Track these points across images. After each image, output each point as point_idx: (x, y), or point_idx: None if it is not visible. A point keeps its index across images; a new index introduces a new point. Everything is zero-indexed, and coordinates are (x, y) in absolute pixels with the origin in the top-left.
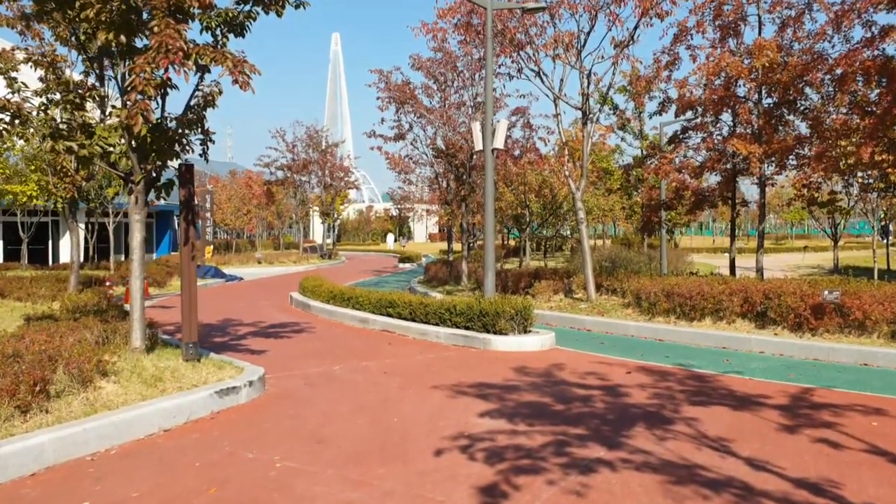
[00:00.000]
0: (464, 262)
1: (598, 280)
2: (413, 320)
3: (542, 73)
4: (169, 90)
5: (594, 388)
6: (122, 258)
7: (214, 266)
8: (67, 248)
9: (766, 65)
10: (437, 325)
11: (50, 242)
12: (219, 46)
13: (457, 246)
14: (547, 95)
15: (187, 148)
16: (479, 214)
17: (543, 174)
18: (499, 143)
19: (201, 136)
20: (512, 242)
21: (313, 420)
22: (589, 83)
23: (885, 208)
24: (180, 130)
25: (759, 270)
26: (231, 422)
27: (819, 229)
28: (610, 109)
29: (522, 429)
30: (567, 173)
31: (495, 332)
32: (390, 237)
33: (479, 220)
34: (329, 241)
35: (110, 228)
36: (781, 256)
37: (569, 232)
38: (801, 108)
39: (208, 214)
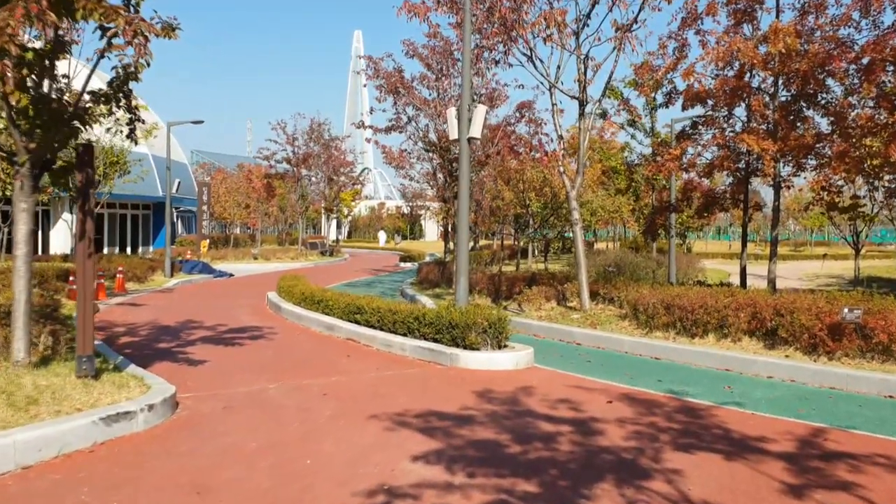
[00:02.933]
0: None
1: (595, 287)
2: (381, 329)
3: (534, 58)
4: (60, 55)
5: (564, 422)
6: (115, 251)
7: (203, 261)
8: (59, 237)
9: (784, 51)
10: (404, 335)
11: (40, 233)
12: (131, 4)
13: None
14: (541, 84)
15: (88, 125)
16: (475, 212)
17: (544, 172)
18: (475, 131)
19: (129, 116)
20: (508, 242)
21: (206, 461)
22: (586, 69)
23: None
24: (83, 105)
25: (772, 281)
26: (111, 458)
27: (839, 237)
28: (618, 104)
29: (460, 481)
30: (562, 169)
31: (465, 347)
32: (382, 235)
33: (472, 219)
34: (332, 237)
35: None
36: (799, 264)
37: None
38: (822, 101)
39: (205, 208)
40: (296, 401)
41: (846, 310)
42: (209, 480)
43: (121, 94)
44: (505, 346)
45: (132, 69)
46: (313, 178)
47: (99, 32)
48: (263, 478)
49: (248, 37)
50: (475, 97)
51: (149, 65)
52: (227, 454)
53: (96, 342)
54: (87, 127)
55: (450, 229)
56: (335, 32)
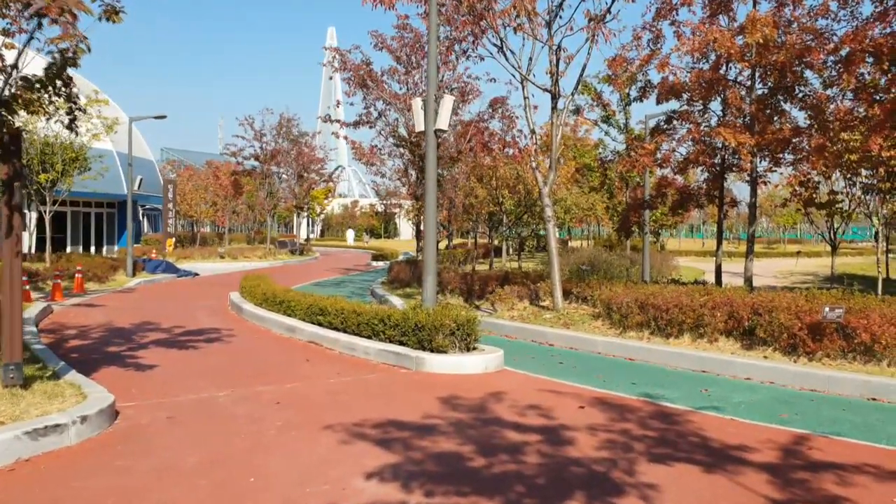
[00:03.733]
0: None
1: (569, 286)
2: (344, 331)
3: (505, 49)
4: None
5: (533, 430)
6: (80, 250)
7: (167, 261)
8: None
9: (761, 41)
10: (369, 337)
11: None
12: None
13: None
14: (513, 77)
15: (16, 113)
16: (448, 210)
17: (518, 169)
18: (442, 122)
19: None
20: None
21: (140, 480)
22: (559, 61)
23: (886, 212)
24: (12, 92)
25: (749, 279)
26: (33, 477)
27: (813, 234)
28: (592, 99)
29: (417, 501)
30: (535, 165)
31: (431, 350)
32: (350, 233)
33: (445, 216)
34: (304, 236)
35: (47, 218)
36: (773, 262)
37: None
38: (800, 94)
39: (171, 205)
40: (247, 410)
41: (827, 309)
42: (140, 502)
43: (59, 82)
44: (474, 348)
45: (70, 54)
46: (283, 176)
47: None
48: (202, 499)
49: (225, 37)
50: (446, 91)
51: (89, 49)
52: (164, 472)
53: (39, 346)
54: (15, 115)
55: (422, 227)
56: (312, 32)
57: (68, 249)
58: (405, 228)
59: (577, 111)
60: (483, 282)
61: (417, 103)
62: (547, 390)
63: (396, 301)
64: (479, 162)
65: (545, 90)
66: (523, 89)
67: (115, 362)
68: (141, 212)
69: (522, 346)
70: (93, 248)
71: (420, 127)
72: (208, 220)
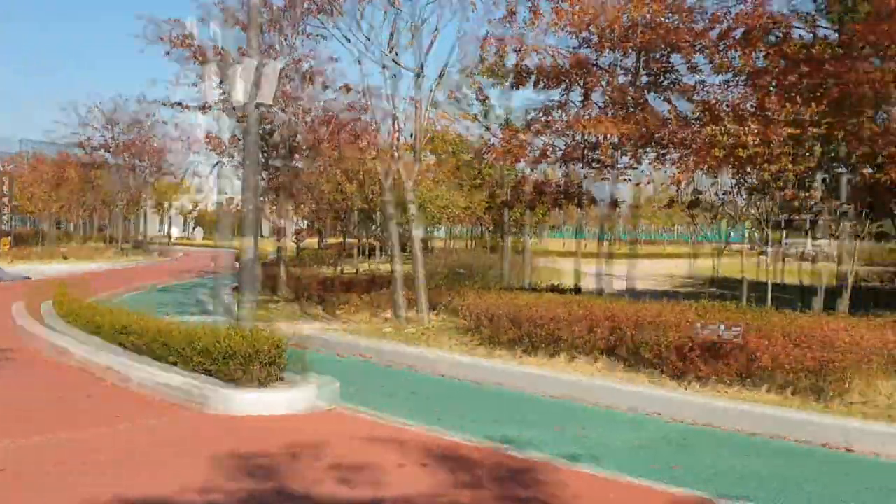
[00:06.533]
0: (281, 266)
1: (437, 295)
2: (149, 356)
3: (359, 21)
4: None
5: None
6: None
7: None
8: None
9: (647, 17)
10: (175, 364)
11: None
12: None
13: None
14: (371, 55)
15: None
16: (306, 205)
17: (389, 162)
18: (266, 96)
19: None
20: (355, 241)
21: None
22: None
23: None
24: None
25: (631, 289)
26: None
27: (688, 236)
28: (470, 90)
29: None
30: (397, 156)
31: (241, 384)
32: (198, 231)
33: (307, 212)
34: (161, 233)
35: None
36: (653, 264)
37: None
38: (689, 83)
39: (5, 200)
40: None
41: (722, 327)
42: None
43: None
44: (302, 380)
45: None
46: (137, 170)
47: None
48: None
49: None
50: (295, 73)
51: None
52: None
53: None
54: None
55: (283, 224)
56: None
57: None
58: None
59: (458, 101)
60: (346, 287)
61: (236, 71)
62: (385, 439)
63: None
64: (345, 154)
65: (406, 68)
66: (383, 68)
67: None
68: None
69: (375, 370)
70: None
71: (238, 97)
72: (57, 216)
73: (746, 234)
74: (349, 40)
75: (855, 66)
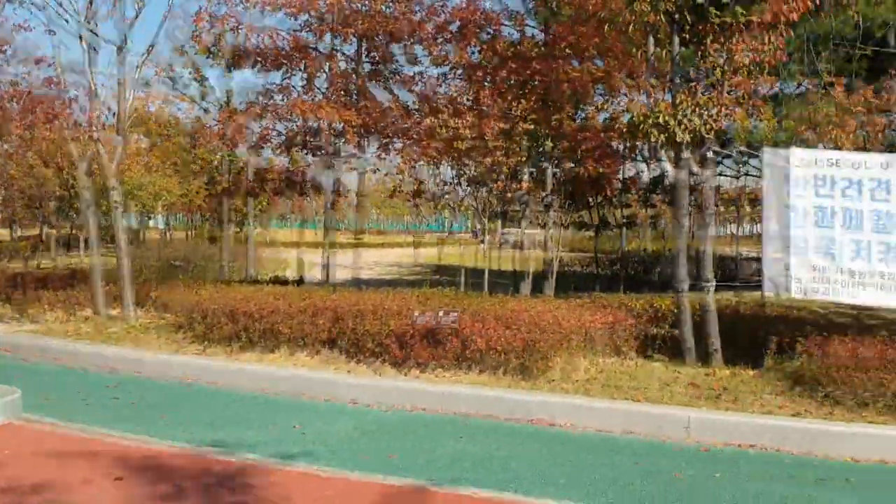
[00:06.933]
0: None
1: (148, 289)
2: None
3: None
4: None
5: None
6: None
7: None
8: None
9: (368, 5)
10: None
11: None
12: None
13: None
14: (64, 23)
15: None
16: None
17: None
18: None
19: None
20: (58, 232)
21: None
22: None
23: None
24: None
25: (356, 278)
26: None
27: (417, 225)
28: (186, 70)
29: None
30: (97, 136)
31: None
32: None
33: None
34: None
35: None
36: (381, 252)
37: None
38: (410, 73)
39: None
40: None
41: (441, 313)
42: None
43: None
44: None
45: None
46: None
47: None
48: None
49: None
50: None
51: None
52: None
53: None
54: None
55: None
56: None
57: None
58: None
59: (174, 81)
60: (41, 283)
61: None
62: (73, 453)
63: None
64: (38, 136)
65: (106, 41)
66: (81, 40)
67: None
68: None
69: (70, 375)
70: None
71: None
72: None
73: (469, 224)
74: (41, 8)
75: (557, 66)
